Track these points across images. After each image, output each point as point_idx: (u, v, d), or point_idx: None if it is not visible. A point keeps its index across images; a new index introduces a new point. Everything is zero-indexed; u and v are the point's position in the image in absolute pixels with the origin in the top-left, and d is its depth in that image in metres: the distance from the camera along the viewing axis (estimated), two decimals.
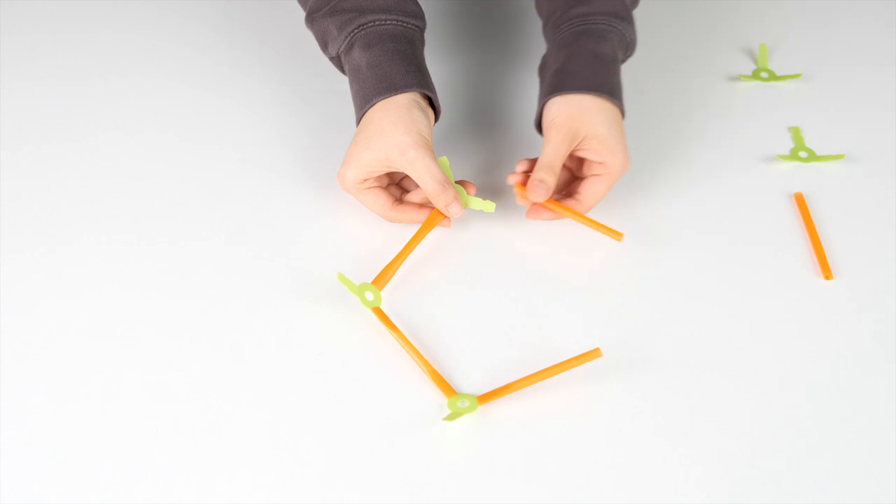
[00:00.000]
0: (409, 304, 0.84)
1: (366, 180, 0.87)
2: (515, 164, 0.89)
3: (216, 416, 0.76)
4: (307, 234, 0.90)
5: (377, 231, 0.89)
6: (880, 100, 1.04)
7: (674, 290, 0.85)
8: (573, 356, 0.78)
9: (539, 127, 0.89)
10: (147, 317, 0.83)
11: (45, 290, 0.85)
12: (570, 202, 0.88)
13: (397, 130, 0.84)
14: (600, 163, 0.86)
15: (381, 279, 0.83)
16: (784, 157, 0.96)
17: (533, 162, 0.88)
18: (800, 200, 0.92)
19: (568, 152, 0.86)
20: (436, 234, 0.89)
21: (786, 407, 0.77)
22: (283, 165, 0.96)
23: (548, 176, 0.85)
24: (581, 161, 0.89)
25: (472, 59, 1.08)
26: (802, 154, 0.97)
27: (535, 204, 0.87)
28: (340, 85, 0.96)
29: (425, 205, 0.88)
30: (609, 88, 0.87)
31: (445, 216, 0.87)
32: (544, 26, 0.95)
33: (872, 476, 0.73)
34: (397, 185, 0.91)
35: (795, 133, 0.99)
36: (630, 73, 1.05)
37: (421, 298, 0.85)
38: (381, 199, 0.87)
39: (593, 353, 0.78)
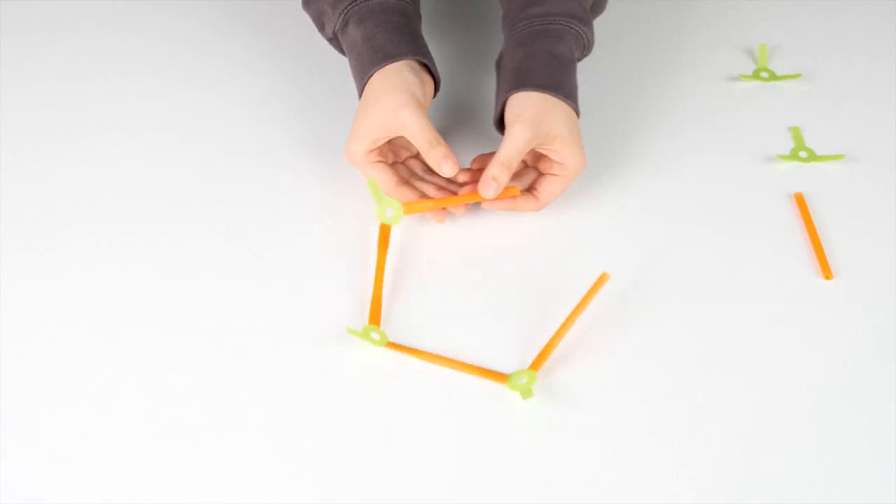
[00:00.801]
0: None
1: (371, 151, 0.87)
2: (472, 160, 0.89)
3: (216, 416, 0.76)
4: (307, 234, 0.89)
5: (378, 231, 0.89)
6: (880, 100, 1.04)
7: (673, 290, 0.85)
8: (585, 293, 0.80)
9: (499, 123, 0.89)
10: (147, 317, 0.83)
11: (45, 290, 0.85)
12: (525, 197, 0.87)
13: (388, 94, 0.85)
14: (559, 163, 0.86)
15: (374, 316, 0.82)
16: (784, 157, 0.96)
17: (487, 158, 0.88)
18: (800, 200, 0.92)
19: (528, 148, 0.85)
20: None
21: (786, 407, 0.77)
22: (284, 165, 0.96)
23: (501, 173, 0.84)
24: (539, 156, 0.89)
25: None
26: (802, 154, 0.96)
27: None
28: (342, 84, 0.96)
29: (428, 196, 0.89)
30: (565, 90, 0.87)
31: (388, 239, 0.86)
32: (502, 21, 0.95)
33: (872, 476, 0.73)
34: (404, 164, 0.91)
35: (796, 133, 0.99)
36: (630, 72, 1.06)
37: (417, 311, 0.84)
38: (386, 175, 0.88)
39: (602, 279, 0.80)
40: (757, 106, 1.03)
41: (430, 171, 0.91)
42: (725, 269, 0.87)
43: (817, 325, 0.83)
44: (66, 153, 0.97)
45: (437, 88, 0.91)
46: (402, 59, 0.87)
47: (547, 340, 0.79)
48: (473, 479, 0.73)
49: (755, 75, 1.05)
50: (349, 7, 0.90)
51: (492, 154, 0.87)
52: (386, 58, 0.87)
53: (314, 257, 0.87)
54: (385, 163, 0.88)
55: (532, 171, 0.89)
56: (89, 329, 0.82)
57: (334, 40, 0.93)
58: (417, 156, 0.91)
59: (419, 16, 0.93)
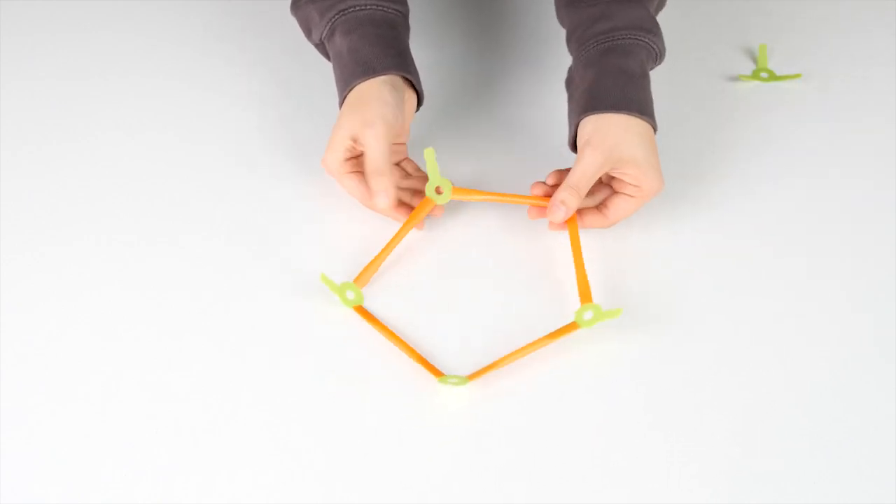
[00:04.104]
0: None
1: (346, 161, 0.87)
2: (547, 175, 0.88)
3: (216, 416, 0.76)
4: (308, 234, 0.90)
5: (379, 232, 0.89)
6: (880, 100, 1.04)
7: (671, 289, 0.85)
8: (552, 331, 0.80)
9: (573, 146, 0.88)
10: (147, 317, 0.83)
11: (45, 290, 0.85)
12: (593, 215, 0.87)
13: (361, 110, 0.85)
14: (635, 185, 0.85)
15: (364, 277, 0.84)
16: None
17: (562, 175, 0.87)
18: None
19: (599, 174, 0.84)
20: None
21: (785, 407, 0.77)
22: (284, 165, 0.96)
23: (570, 197, 0.83)
24: (613, 175, 0.87)
25: (463, 47, 1.08)
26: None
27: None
28: None
29: (404, 203, 0.89)
30: (639, 106, 0.86)
31: (424, 215, 0.87)
32: (568, 40, 0.93)
33: (872, 476, 0.73)
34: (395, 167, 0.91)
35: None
36: None
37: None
38: (361, 186, 0.87)
39: (570, 327, 0.79)
40: (757, 106, 1.03)
41: (408, 175, 0.91)
42: (724, 268, 0.87)
43: (817, 325, 0.83)
44: (66, 153, 0.97)
45: (420, 102, 0.91)
46: (384, 74, 0.87)
47: (494, 360, 0.79)
48: (473, 479, 0.73)
49: (755, 75, 1.05)
50: (336, 16, 0.90)
51: (567, 171, 0.86)
52: (368, 71, 0.87)
53: (314, 257, 0.87)
54: (359, 172, 0.87)
55: (606, 188, 0.88)
56: (89, 329, 0.82)
57: (321, 46, 0.93)
58: (407, 158, 0.92)
59: (408, 27, 0.93)
